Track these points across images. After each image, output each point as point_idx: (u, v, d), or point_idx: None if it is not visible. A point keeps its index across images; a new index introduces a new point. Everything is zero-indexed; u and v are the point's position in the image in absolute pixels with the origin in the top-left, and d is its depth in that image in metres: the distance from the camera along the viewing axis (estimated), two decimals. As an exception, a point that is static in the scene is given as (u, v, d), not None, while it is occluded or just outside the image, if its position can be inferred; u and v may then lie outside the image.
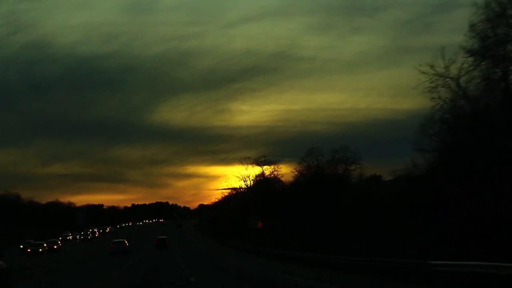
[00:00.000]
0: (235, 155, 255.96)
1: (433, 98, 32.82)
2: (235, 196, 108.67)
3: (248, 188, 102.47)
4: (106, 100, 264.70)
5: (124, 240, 70.92)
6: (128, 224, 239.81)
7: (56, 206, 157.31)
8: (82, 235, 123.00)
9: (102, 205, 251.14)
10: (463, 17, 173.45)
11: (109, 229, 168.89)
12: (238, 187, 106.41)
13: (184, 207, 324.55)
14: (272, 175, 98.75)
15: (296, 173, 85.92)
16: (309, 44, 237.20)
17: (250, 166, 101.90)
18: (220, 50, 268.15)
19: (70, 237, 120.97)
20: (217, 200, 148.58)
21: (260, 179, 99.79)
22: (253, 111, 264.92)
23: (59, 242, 75.74)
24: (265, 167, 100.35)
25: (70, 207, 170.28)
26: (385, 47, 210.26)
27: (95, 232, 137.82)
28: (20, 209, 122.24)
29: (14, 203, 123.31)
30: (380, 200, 67.15)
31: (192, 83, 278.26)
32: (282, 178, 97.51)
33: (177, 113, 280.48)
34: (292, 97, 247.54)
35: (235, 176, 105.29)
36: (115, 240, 71.01)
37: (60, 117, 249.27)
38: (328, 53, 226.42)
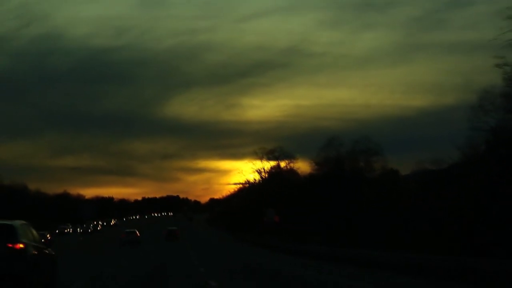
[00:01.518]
0: (246, 150, 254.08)
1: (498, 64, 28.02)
2: (249, 189, 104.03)
3: (262, 181, 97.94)
4: (117, 93, 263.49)
5: (135, 230, 72.79)
6: (136, 217, 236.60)
7: (64, 198, 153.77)
8: (83, 227, 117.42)
9: (112, 198, 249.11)
10: (476, 13, 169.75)
11: (114, 222, 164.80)
12: (252, 180, 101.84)
13: (195, 201, 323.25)
14: (288, 167, 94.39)
15: (314, 165, 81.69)
16: (321, 40, 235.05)
17: (264, 159, 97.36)
18: (231, 45, 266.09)
19: (70, 229, 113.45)
20: (229, 193, 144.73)
21: (276, 171, 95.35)
22: (264, 106, 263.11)
23: (48, 236, 67.56)
24: (280, 162, 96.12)
25: (79, 199, 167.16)
26: (396, 43, 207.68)
27: (98, 225, 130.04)
28: (27, 200, 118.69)
29: (20, 194, 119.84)
30: (405, 194, 63.08)
31: (203, 77, 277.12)
32: (298, 170, 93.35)
33: (188, 107, 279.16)
34: (303, 92, 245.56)
35: (249, 167, 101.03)
36: (127, 230, 73.66)
37: (71, 109, 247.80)
38: (339, 49, 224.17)
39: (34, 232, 18.44)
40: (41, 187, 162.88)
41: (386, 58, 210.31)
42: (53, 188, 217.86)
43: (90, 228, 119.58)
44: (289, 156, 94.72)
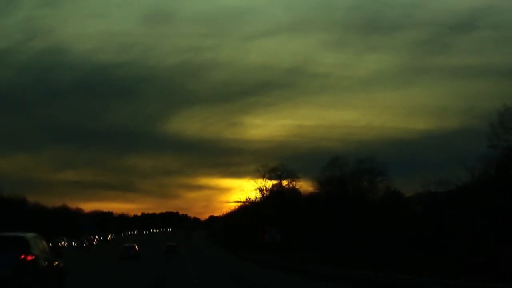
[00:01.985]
0: (247, 169, 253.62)
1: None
2: (250, 207, 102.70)
3: (264, 199, 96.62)
4: (120, 109, 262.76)
5: (135, 245, 73.26)
6: (133, 232, 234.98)
7: (63, 211, 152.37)
8: (77, 242, 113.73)
9: (111, 213, 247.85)
10: (480, 38, 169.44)
11: (111, 236, 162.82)
12: (253, 197, 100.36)
13: (195, 218, 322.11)
14: (290, 186, 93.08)
15: (316, 184, 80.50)
16: (324, 61, 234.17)
17: (266, 177, 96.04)
18: (235, 64, 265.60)
19: (65, 243, 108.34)
20: (229, 211, 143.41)
21: (277, 190, 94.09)
22: (266, 126, 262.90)
23: (63, 243, 65.93)
24: (282, 180, 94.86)
25: (77, 213, 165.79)
26: (400, 66, 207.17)
27: (93, 239, 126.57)
28: (25, 213, 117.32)
29: (19, 207, 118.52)
30: (410, 216, 61.94)
31: (206, 95, 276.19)
32: (300, 189, 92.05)
33: (190, 124, 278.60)
34: (306, 112, 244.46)
35: (251, 185, 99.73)
36: (126, 245, 73.41)
37: (74, 124, 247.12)
38: (343, 70, 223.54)
39: (45, 243, 18.94)
40: (41, 200, 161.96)
41: (390, 81, 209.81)
42: (52, 202, 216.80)
43: (84, 243, 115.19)
44: (292, 175, 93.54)
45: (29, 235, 17.87)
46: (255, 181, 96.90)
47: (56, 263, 19.41)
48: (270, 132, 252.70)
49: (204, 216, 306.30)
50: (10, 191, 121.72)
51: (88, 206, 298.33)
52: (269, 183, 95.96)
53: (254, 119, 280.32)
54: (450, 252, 42.94)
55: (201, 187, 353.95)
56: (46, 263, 17.78)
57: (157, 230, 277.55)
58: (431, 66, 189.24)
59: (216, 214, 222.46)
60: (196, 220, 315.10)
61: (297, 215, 79.43)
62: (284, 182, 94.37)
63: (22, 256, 16.52)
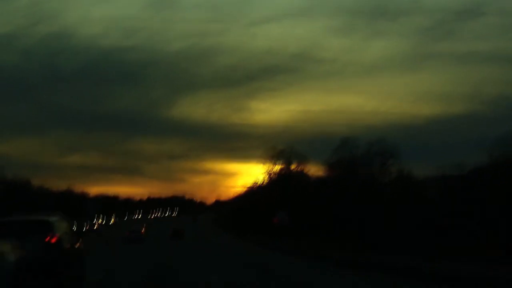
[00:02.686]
0: (252, 153, 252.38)
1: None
2: (257, 191, 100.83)
3: (272, 182, 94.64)
4: (125, 94, 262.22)
5: (140, 228, 76.92)
6: (137, 216, 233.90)
7: (68, 194, 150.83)
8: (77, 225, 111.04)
9: (117, 197, 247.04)
10: (486, 24, 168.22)
11: (114, 220, 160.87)
12: (261, 181, 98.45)
13: (200, 202, 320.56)
14: (300, 169, 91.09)
15: (326, 167, 78.54)
16: (331, 46, 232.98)
17: (274, 159, 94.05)
18: (241, 49, 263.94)
19: None
20: (236, 195, 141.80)
21: (286, 173, 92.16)
22: (272, 110, 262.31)
23: (97, 225, 66.43)
24: (291, 163, 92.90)
25: (82, 196, 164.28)
26: (406, 52, 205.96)
27: (95, 223, 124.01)
28: (29, 196, 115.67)
29: (22, 189, 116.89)
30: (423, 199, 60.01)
31: (211, 80, 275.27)
32: (309, 173, 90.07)
33: (196, 109, 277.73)
34: (312, 98, 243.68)
35: (258, 169, 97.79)
36: (131, 230, 75.25)
37: (79, 108, 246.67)
38: (349, 56, 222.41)
39: (67, 225, 19.04)
40: (46, 183, 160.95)
41: (396, 66, 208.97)
42: (58, 185, 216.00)
43: (84, 227, 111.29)
44: (300, 157, 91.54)
45: (53, 217, 17.99)
46: (263, 164, 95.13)
47: (78, 244, 19.75)
48: (276, 117, 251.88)
49: (210, 201, 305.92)
50: (14, 174, 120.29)
51: (94, 190, 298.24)
52: (277, 167, 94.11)
53: (260, 104, 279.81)
54: (469, 237, 41.07)
55: (206, 172, 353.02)
56: (69, 245, 18.10)
57: (162, 214, 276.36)
58: (437, 52, 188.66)
59: (222, 199, 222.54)
60: (202, 204, 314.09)
61: (307, 198, 77.61)
62: (292, 166, 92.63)
63: (46, 239, 16.52)
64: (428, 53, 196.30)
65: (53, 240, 16.76)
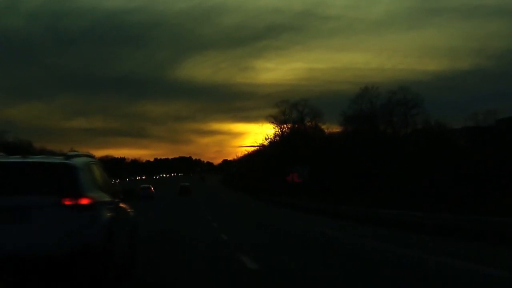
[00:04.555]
0: (259, 113, 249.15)
1: None
2: (269, 147, 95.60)
3: (284, 138, 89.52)
4: (130, 56, 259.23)
5: (150, 186, 79.56)
6: (142, 178, 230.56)
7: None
8: None
9: (123, 159, 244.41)
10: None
11: (117, 182, 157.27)
12: (272, 136, 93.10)
13: (208, 162, 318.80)
14: (313, 123, 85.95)
15: (342, 120, 73.61)
16: (336, 3, 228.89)
17: (287, 114, 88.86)
18: (246, 7, 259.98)
19: None
20: (244, 154, 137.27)
21: (300, 128, 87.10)
22: (277, 69, 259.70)
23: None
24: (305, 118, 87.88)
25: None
26: (412, 8, 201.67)
27: None
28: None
29: (24, 152, 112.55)
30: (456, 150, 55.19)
31: (217, 40, 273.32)
32: (324, 127, 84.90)
33: (202, 69, 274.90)
34: (317, 56, 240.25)
35: (265, 128, 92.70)
36: (142, 186, 79.50)
37: (85, 71, 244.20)
38: (354, 13, 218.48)
39: (106, 176, 11.03)
40: (48, 146, 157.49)
41: (401, 23, 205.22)
42: (63, 149, 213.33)
43: None
44: (314, 111, 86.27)
45: (80, 160, 9.86)
46: (273, 120, 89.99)
47: (124, 206, 11.65)
48: (282, 76, 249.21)
49: (217, 161, 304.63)
50: (15, 137, 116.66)
51: (100, 153, 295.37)
52: (287, 126, 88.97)
53: (266, 63, 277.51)
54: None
55: (213, 132, 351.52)
56: (111, 211, 10.06)
57: (168, 175, 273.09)
58: (443, 7, 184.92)
59: (230, 159, 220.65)
60: (209, 164, 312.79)
61: (322, 154, 72.77)
62: (306, 121, 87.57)
63: (68, 201, 8.96)
64: (434, 8, 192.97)
65: (83, 201, 9.19)
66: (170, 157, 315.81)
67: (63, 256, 8.79)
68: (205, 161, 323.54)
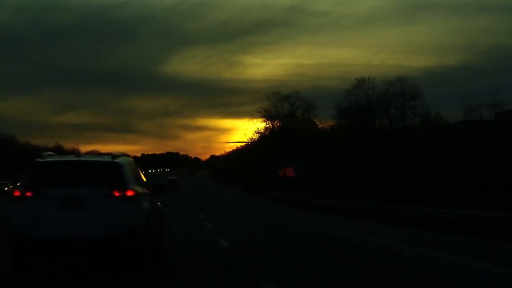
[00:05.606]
0: (247, 108, 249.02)
1: None
2: (259, 141, 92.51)
3: (275, 131, 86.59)
4: (118, 50, 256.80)
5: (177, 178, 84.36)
6: None
7: (57, 151, 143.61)
8: None
9: (110, 154, 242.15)
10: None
11: None
12: (262, 129, 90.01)
13: (195, 158, 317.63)
14: (306, 115, 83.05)
15: (336, 113, 70.92)
16: None
17: (278, 106, 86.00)
18: (234, 2, 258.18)
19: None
20: (231, 150, 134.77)
21: (291, 121, 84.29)
22: (265, 65, 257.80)
23: None
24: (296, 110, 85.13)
25: (74, 153, 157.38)
26: (400, 3, 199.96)
27: None
28: (14, 151, 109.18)
29: (7, 146, 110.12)
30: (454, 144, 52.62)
31: (205, 35, 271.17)
32: (316, 121, 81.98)
33: (190, 65, 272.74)
34: (305, 51, 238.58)
35: (254, 124, 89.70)
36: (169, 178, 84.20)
37: (72, 66, 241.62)
38: (343, 8, 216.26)
39: (139, 172, 13.22)
40: (32, 140, 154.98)
41: (389, 19, 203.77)
42: (49, 143, 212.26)
43: None
44: (307, 104, 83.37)
45: (124, 159, 12.04)
46: (263, 113, 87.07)
47: (155, 200, 13.50)
48: (270, 71, 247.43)
49: (205, 157, 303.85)
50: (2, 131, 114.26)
51: (88, 148, 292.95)
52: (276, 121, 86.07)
53: (254, 59, 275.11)
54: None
55: (201, 128, 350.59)
56: (147, 204, 12.04)
57: (155, 171, 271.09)
58: (431, 3, 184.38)
59: (217, 154, 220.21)
60: (197, 160, 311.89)
61: (315, 147, 70.07)
62: (298, 113, 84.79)
63: (118, 193, 11.04)
64: (422, 4, 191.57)
65: (129, 193, 11.17)
66: (158, 152, 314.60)
67: (113, 238, 10.74)
68: (192, 157, 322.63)
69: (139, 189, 11.70)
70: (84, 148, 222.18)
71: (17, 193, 10.93)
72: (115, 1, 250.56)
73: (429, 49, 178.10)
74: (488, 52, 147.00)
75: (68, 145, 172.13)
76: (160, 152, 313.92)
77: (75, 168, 11.40)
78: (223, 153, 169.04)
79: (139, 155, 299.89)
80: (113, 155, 11.88)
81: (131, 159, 12.77)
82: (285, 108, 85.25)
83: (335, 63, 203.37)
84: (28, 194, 10.80)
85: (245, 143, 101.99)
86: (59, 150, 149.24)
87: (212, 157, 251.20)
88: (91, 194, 10.87)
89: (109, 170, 11.37)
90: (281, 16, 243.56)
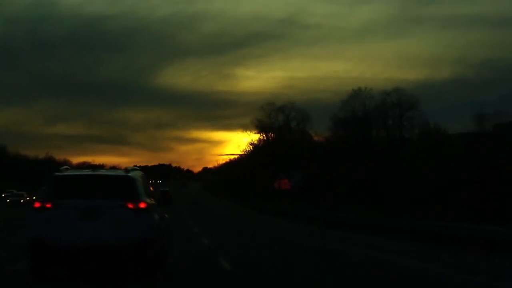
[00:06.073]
0: (239, 121, 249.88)
1: None
2: (253, 153, 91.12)
3: (268, 142, 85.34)
4: (111, 62, 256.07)
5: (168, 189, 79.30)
6: None
7: (48, 162, 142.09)
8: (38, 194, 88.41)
9: (102, 165, 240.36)
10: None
11: None
12: (256, 141, 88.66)
13: (188, 170, 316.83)
14: (301, 126, 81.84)
15: (332, 124, 69.75)
16: (317, 11, 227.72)
17: (272, 117, 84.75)
18: (226, 15, 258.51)
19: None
20: (224, 162, 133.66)
21: (286, 132, 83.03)
22: (258, 77, 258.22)
23: None
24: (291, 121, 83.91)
25: (64, 164, 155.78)
26: (392, 16, 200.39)
27: None
28: (5, 162, 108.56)
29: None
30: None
31: (198, 47, 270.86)
32: (311, 132, 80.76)
33: (182, 77, 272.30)
34: (298, 64, 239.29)
35: (248, 135, 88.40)
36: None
37: (65, 77, 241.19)
38: (335, 21, 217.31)
39: (149, 184, 14.31)
40: (23, 151, 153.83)
41: (382, 31, 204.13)
42: (39, 154, 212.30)
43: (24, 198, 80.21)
44: (302, 115, 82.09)
45: (137, 173, 13.23)
46: (257, 124, 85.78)
47: (162, 212, 14.58)
48: (262, 84, 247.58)
49: (197, 169, 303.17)
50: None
51: (78, 159, 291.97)
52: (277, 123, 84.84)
53: (246, 71, 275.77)
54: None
55: (193, 140, 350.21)
56: (157, 215, 13.22)
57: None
58: (423, 16, 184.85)
59: (209, 166, 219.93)
60: (189, 172, 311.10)
61: (310, 159, 68.83)
62: (293, 123, 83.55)
63: (131, 205, 12.18)
64: (414, 17, 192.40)
65: (141, 205, 12.32)
66: (150, 164, 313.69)
67: (127, 247, 11.79)
68: (185, 169, 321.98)
69: (150, 201, 12.79)
70: (75, 160, 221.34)
71: (37, 204, 12.05)
72: (108, 12, 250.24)
73: (422, 62, 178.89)
74: (480, 65, 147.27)
75: (59, 156, 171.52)
76: (153, 164, 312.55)
77: (92, 182, 12.55)
78: (216, 165, 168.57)
79: (131, 166, 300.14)
80: (126, 169, 13.10)
81: (142, 172, 13.79)
82: (280, 119, 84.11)
83: (328, 76, 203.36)
84: (48, 205, 11.88)
85: (238, 155, 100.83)
86: (50, 162, 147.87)
87: (205, 169, 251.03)
88: (108, 205, 12.00)
89: (123, 183, 12.50)
90: (274, 29, 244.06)
